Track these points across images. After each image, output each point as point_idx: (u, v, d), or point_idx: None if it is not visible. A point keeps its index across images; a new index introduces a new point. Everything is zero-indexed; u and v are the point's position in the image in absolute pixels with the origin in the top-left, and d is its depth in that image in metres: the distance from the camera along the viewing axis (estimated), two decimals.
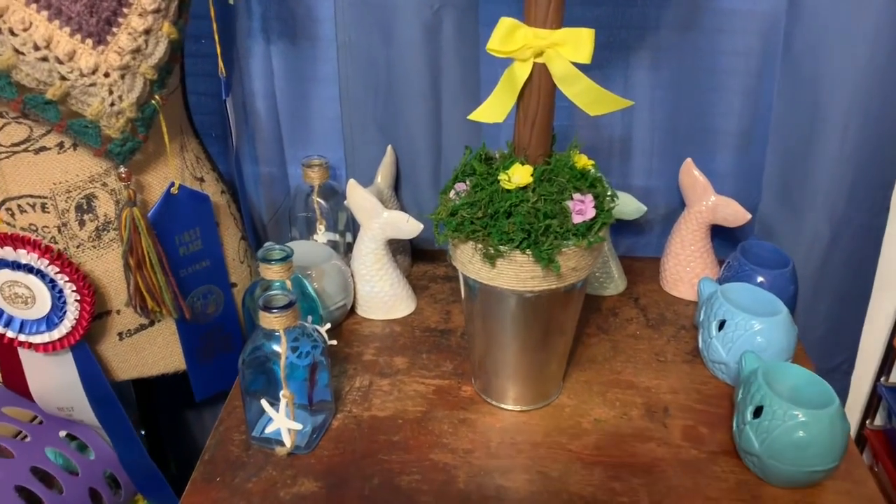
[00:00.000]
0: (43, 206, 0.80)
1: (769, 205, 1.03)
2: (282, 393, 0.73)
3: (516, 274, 0.72)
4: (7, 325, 0.82)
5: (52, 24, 0.70)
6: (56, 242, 0.81)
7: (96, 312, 0.84)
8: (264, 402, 0.75)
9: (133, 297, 0.83)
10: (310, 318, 0.84)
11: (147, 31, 0.74)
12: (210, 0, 0.84)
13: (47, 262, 0.79)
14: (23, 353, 0.87)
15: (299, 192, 1.03)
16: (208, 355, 0.94)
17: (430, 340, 0.95)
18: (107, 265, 0.84)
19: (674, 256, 1.03)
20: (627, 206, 1.01)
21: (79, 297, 0.81)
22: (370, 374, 0.89)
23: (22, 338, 0.83)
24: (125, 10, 0.73)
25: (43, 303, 0.81)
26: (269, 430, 0.76)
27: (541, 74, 0.69)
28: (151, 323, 0.89)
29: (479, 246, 0.72)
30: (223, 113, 0.94)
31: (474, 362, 0.85)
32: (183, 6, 0.78)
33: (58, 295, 0.81)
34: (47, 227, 0.80)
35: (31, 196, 0.79)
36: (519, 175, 0.71)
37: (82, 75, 0.72)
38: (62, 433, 0.98)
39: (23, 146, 0.77)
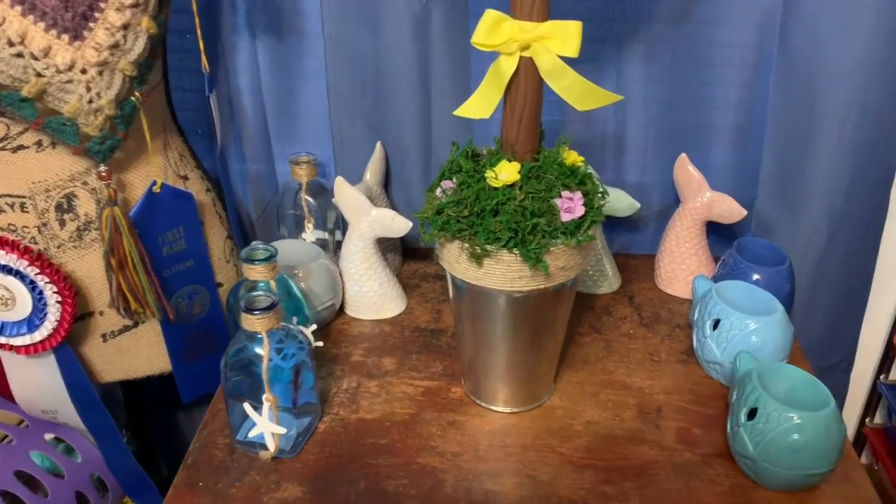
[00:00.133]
0: (22, 206, 0.78)
1: (766, 201, 1.01)
2: (264, 396, 0.72)
3: (504, 274, 0.70)
4: None
5: (27, 20, 0.68)
6: (36, 243, 0.79)
7: (78, 314, 0.82)
8: (247, 406, 0.73)
9: (115, 298, 0.82)
10: (295, 318, 0.82)
11: (125, 27, 0.72)
12: None
13: (27, 263, 0.78)
14: (4, 356, 0.86)
15: (287, 189, 1.01)
16: (195, 356, 0.93)
17: (419, 341, 0.93)
18: (88, 266, 0.82)
19: (668, 254, 1.01)
20: (620, 202, 0.99)
21: (60, 299, 0.80)
22: (358, 375, 0.87)
23: (2, 340, 0.82)
24: (102, 5, 0.71)
25: (23, 304, 0.80)
26: (252, 433, 0.75)
27: (527, 68, 0.67)
28: (136, 324, 0.87)
29: (466, 245, 0.70)
30: (209, 109, 0.92)
31: (464, 363, 0.83)
32: (163, 0, 0.76)
33: (38, 296, 0.79)
34: (27, 227, 0.79)
35: (10, 196, 0.77)
36: (506, 172, 0.69)
37: (58, 72, 0.70)
38: (49, 436, 0.97)
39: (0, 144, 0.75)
